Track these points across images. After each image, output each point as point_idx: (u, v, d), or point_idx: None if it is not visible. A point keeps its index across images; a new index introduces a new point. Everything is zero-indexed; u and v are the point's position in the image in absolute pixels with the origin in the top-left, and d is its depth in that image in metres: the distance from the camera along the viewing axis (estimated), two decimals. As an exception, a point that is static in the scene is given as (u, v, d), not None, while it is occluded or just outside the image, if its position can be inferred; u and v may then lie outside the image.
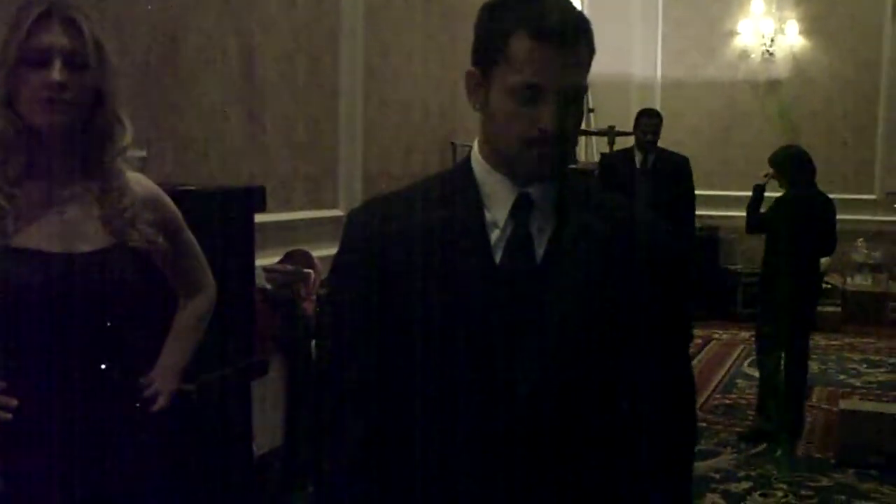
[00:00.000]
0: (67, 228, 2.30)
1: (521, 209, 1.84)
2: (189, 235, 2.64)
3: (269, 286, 5.23)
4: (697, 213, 8.16)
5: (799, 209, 6.58)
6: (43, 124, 2.23)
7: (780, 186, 6.82)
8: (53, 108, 2.20)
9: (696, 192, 8.06)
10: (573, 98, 1.78)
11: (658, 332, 1.91)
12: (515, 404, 1.79)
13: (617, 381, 1.88)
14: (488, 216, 1.84)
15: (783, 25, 11.80)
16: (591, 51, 1.82)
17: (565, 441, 1.83)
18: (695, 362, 8.85)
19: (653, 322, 1.88)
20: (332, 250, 5.69)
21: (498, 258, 1.82)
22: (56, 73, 2.19)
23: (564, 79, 1.76)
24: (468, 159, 1.92)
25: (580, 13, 1.84)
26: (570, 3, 1.85)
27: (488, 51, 1.81)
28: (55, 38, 2.21)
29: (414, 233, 1.84)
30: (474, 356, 1.80)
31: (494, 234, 1.84)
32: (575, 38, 1.78)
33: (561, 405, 1.82)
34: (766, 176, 7.03)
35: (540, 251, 1.83)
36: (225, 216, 4.21)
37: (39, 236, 2.26)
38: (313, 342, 5.36)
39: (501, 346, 1.80)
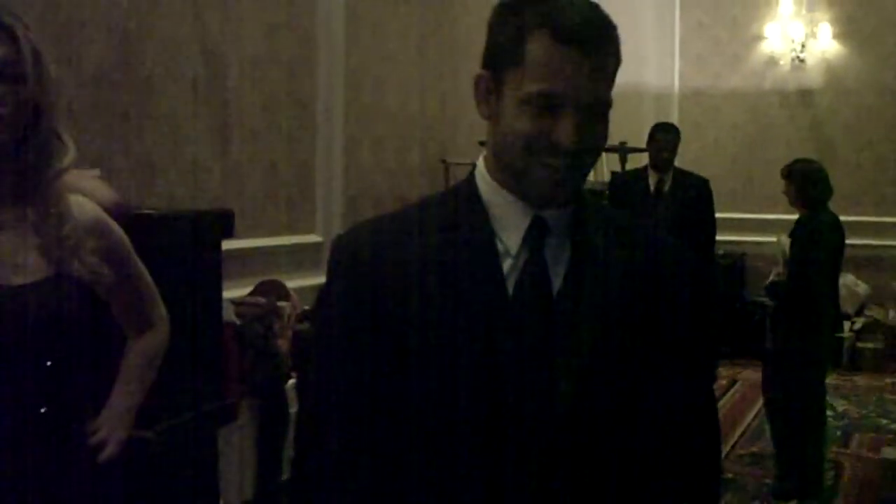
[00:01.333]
0: (2, 259, 2.30)
1: (535, 235, 1.82)
2: (138, 265, 2.64)
3: (238, 321, 5.24)
4: (720, 238, 8.12)
5: (838, 235, 6.53)
6: None
7: (793, 205, 6.69)
8: None
9: (718, 215, 8.03)
10: (596, 112, 1.76)
11: (681, 369, 1.90)
12: (529, 446, 1.78)
13: (637, 418, 1.85)
14: (498, 243, 1.82)
15: (815, 29, 11.75)
16: (617, 61, 1.80)
17: (579, 482, 1.82)
18: (719, 406, 8.84)
19: (676, 358, 1.88)
20: (309, 280, 5.77)
21: (510, 289, 1.80)
22: None
23: (587, 89, 1.72)
24: (472, 177, 1.89)
25: (607, 16, 1.80)
26: (597, 6, 1.81)
27: (502, 51, 1.78)
28: None
29: (412, 261, 1.81)
30: (483, 398, 1.77)
31: (507, 263, 1.81)
32: (602, 43, 1.75)
33: (579, 445, 1.80)
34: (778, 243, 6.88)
35: (556, 282, 1.82)
36: (189, 243, 4.23)
37: None
38: (288, 383, 5.37)
39: (513, 387, 1.77)
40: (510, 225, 1.83)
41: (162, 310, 2.73)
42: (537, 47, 1.71)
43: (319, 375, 1.92)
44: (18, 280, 2.31)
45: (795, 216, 6.66)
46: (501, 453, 1.78)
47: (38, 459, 2.32)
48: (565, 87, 1.71)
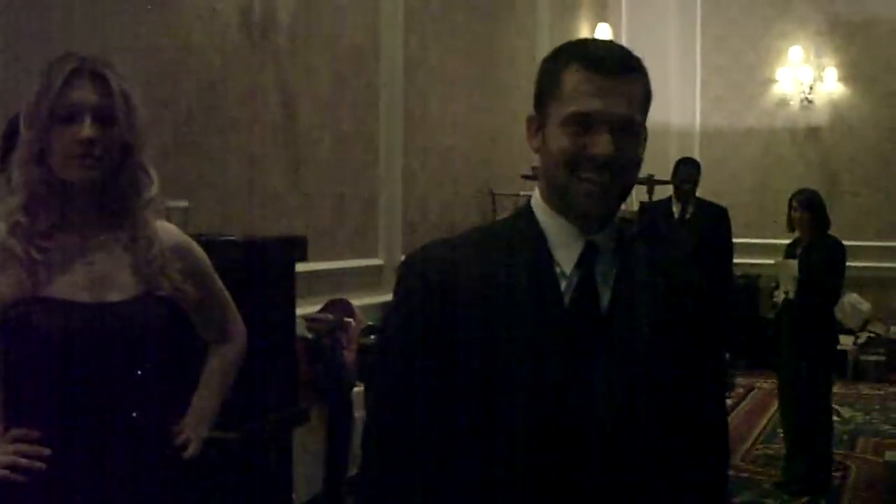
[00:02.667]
0: (97, 278, 2.30)
1: (587, 258, 1.82)
2: (218, 283, 2.64)
3: (309, 335, 5.24)
4: (737, 261, 8.09)
5: (844, 255, 6.45)
6: (74, 179, 2.25)
7: (798, 230, 6.54)
8: (84, 163, 2.22)
9: (736, 240, 7.99)
10: (625, 129, 1.77)
11: (700, 382, 1.90)
12: (583, 448, 1.77)
13: (668, 421, 1.85)
14: (554, 263, 1.82)
15: (822, 73, 11.71)
16: (645, 89, 1.83)
17: (628, 483, 1.81)
18: (737, 411, 8.76)
19: (699, 369, 1.89)
20: (373, 299, 5.78)
21: (566, 305, 1.80)
22: (86, 128, 2.21)
23: (614, 107, 1.76)
24: (528, 205, 1.90)
25: (635, 55, 1.85)
26: (625, 47, 1.87)
27: (545, 90, 1.83)
28: (85, 94, 2.23)
29: (476, 279, 1.81)
30: (540, 404, 1.77)
31: (561, 282, 1.82)
32: (626, 70, 1.79)
33: (626, 448, 1.80)
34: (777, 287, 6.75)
35: (605, 300, 1.82)
36: (267, 266, 4.23)
37: (70, 286, 2.27)
38: (353, 391, 5.37)
39: (568, 392, 1.77)
40: (564, 248, 1.83)
41: (239, 323, 2.72)
42: (571, 77, 1.77)
43: (384, 383, 1.91)
44: (113, 297, 2.31)
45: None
46: (553, 456, 1.77)
47: (130, 459, 2.31)
48: (597, 106, 1.75)
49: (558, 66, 1.81)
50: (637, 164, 1.84)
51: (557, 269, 1.82)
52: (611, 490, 1.80)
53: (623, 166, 1.79)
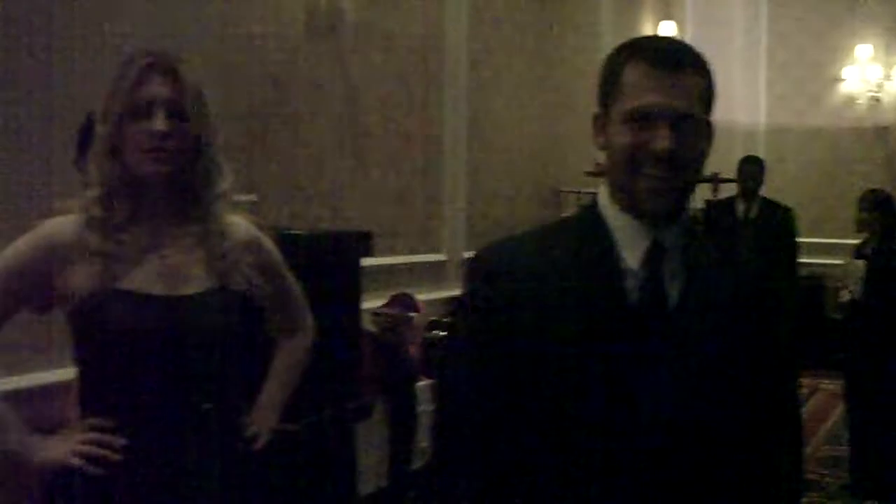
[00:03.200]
0: (171, 271, 2.32)
1: (654, 256, 1.81)
2: (289, 276, 2.66)
3: (374, 329, 5.25)
4: (802, 260, 8.00)
5: None
6: (148, 173, 2.27)
7: (867, 231, 6.44)
8: (157, 157, 2.25)
9: (801, 239, 7.91)
10: (687, 125, 1.77)
11: (774, 378, 1.90)
12: (651, 445, 1.77)
13: (736, 419, 1.84)
14: (621, 262, 1.82)
15: (890, 71, 11.55)
16: (707, 83, 1.82)
17: (694, 480, 1.81)
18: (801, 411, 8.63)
19: (769, 368, 1.88)
20: (436, 294, 5.78)
21: (632, 302, 1.80)
22: (159, 123, 2.23)
23: (676, 102, 1.75)
24: (595, 203, 1.90)
25: (696, 51, 1.85)
26: (687, 43, 1.87)
27: (607, 87, 1.83)
28: (158, 89, 2.25)
29: (544, 276, 1.81)
30: (608, 401, 1.77)
31: (629, 280, 1.81)
32: (685, 65, 1.79)
33: (691, 446, 1.80)
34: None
35: (672, 298, 1.81)
36: (332, 260, 4.24)
37: (144, 279, 2.29)
38: (417, 385, 5.36)
39: (635, 390, 1.77)
40: (631, 245, 1.82)
41: (309, 316, 2.74)
42: (631, 73, 1.78)
43: (454, 384, 1.93)
44: (187, 291, 2.32)
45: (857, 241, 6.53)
46: (622, 454, 1.77)
47: (201, 450, 2.33)
48: (657, 101, 1.75)
49: (619, 63, 1.81)
50: (700, 158, 1.83)
51: (625, 267, 1.81)
52: (680, 488, 1.79)
53: (684, 161, 1.77)
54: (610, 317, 1.79)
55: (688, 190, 1.84)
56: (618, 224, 1.84)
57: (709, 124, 1.83)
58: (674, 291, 1.81)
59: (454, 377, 1.93)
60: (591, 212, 1.89)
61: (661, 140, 1.74)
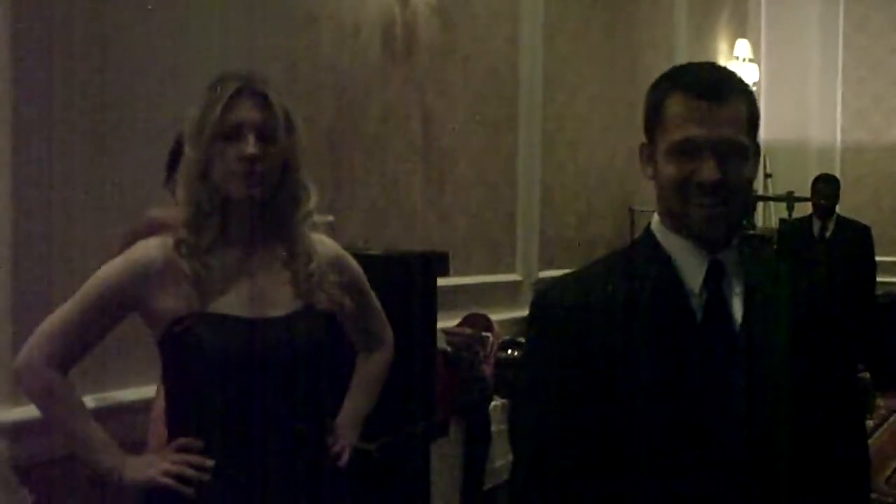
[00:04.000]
0: (259, 293, 2.35)
1: (714, 277, 1.84)
2: (371, 294, 2.68)
3: (449, 349, 5.26)
4: (880, 279, 7.90)
5: None
6: (237, 195, 2.30)
7: None
8: (247, 179, 2.27)
9: (879, 258, 7.81)
10: (733, 153, 1.79)
11: (836, 402, 1.90)
12: (723, 464, 1.78)
13: (804, 439, 1.85)
14: (683, 283, 1.84)
15: (971, 86, 11.35)
16: (750, 110, 1.84)
17: (766, 501, 1.82)
18: (879, 434, 8.49)
19: (831, 392, 1.88)
20: (510, 314, 5.78)
21: (698, 323, 1.82)
22: (250, 146, 2.26)
23: (718, 131, 1.77)
24: (650, 230, 1.92)
25: (737, 76, 1.88)
26: (727, 68, 1.90)
27: (651, 119, 1.86)
28: (248, 113, 2.28)
29: (609, 308, 1.83)
30: (684, 421, 1.79)
31: (692, 301, 1.83)
32: (727, 93, 1.81)
33: (765, 465, 1.81)
34: None
35: (737, 316, 1.83)
36: (409, 280, 4.27)
37: (233, 302, 2.32)
38: (491, 405, 5.36)
39: (707, 412, 1.79)
40: (690, 267, 1.85)
41: (389, 331, 2.76)
42: (673, 105, 1.82)
43: (529, 420, 1.92)
44: (274, 312, 2.35)
45: None
46: (695, 472, 1.79)
47: (290, 471, 2.35)
48: (700, 132, 1.77)
49: (661, 95, 1.85)
50: (749, 182, 1.86)
51: (688, 290, 1.84)
52: (755, 500, 1.80)
53: (733, 188, 1.80)
54: (678, 338, 1.81)
55: (740, 213, 1.88)
56: (674, 247, 1.87)
57: (755, 145, 1.85)
58: (738, 309, 1.84)
59: (529, 422, 1.92)
60: (647, 238, 1.92)
61: (708, 171, 1.76)
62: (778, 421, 1.81)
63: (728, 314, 1.83)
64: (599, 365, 1.80)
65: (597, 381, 1.80)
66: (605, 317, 1.82)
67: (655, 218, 1.92)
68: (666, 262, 1.86)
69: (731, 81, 1.84)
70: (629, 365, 1.79)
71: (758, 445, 1.80)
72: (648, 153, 1.88)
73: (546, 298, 1.95)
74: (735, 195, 1.81)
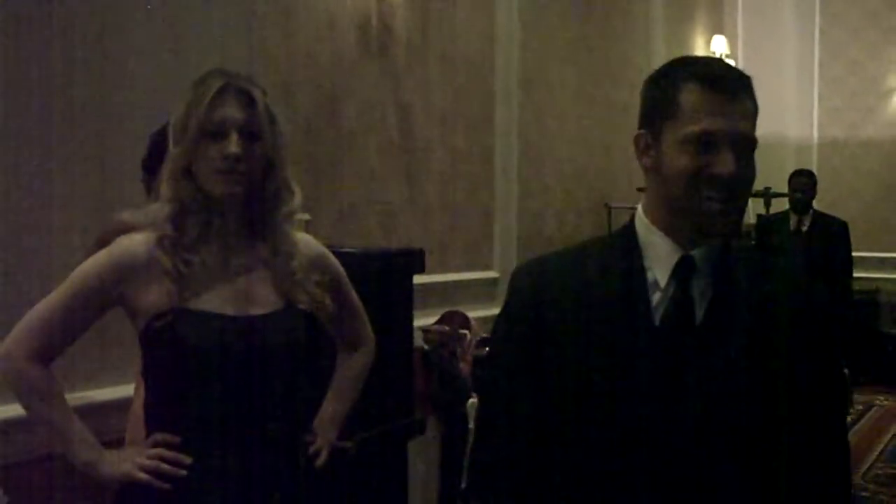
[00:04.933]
0: (240, 291, 2.37)
1: (683, 272, 1.84)
2: (352, 293, 2.69)
3: (426, 346, 5.27)
4: (857, 275, 7.96)
5: None
6: (220, 192, 2.31)
7: None
8: (230, 177, 2.29)
9: (856, 253, 7.87)
10: (745, 147, 1.80)
11: (814, 400, 1.89)
12: (673, 461, 1.79)
13: (774, 444, 1.84)
14: (650, 277, 1.86)
15: (946, 83, 11.43)
16: (755, 106, 1.86)
17: (721, 496, 1.82)
18: (856, 429, 8.56)
19: (809, 389, 1.87)
20: (488, 311, 5.79)
21: (658, 319, 1.84)
22: (233, 145, 2.27)
23: (736, 126, 1.79)
24: (632, 221, 1.93)
25: (743, 71, 1.89)
26: (731, 64, 1.93)
27: (659, 109, 1.85)
28: (232, 111, 2.29)
29: (576, 292, 1.87)
30: (632, 415, 1.80)
31: (656, 296, 1.85)
32: (743, 89, 1.83)
33: (720, 461, 1.81)
34: None
35: (700, 314, 1.84)
36: (384, 277, 4.27)
37: (215, 299, 2.33)
38: (468, 402, 5.37)
39: (658, 407, 1.80)
40: (660, 261, 1.86)
41: (369, 331, 2.78)
42: (689, 96, 1.80)
43: (490, 389, 2.03)
44: (256, 311, 2.36)
45: None
46: (646, 464, 1.80)
47: (266, 469, 2.36)
48: (719, 125, 1.77)
49: (672, 85, 1.83)
50: (754, 179, 1.87)
51: (651, 282, 1.86)
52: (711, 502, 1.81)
53: (745, 184, 1.82)
54: (634, 331, 1.83)
55: (744, 209, 1.88)
56: (649, 240, 1.88)
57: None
58: (702, 308, 1.84)
59: (489, 389, 2.05)
60: (625, 229, 1.94)
61: (726, 164, 1.77)
62: (730, 420, 1.81)
63: (690, 311, 1.83)
64: (559, 345, 1.85)
65: (550, 362, 1.86)
66: (566, 301, 1.87)
67: (639, 210, 1.93)
68: (637, 254, 1.88)
69: (743, 77, 1.86)
70: (584, 351, 1.83)
71: (710, 443, 1.80)
72: (648, 143, 1.86)
73: (520, 274, 1.99)
74: (745, 191, 1.83)
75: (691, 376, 1.80)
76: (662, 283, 1.84)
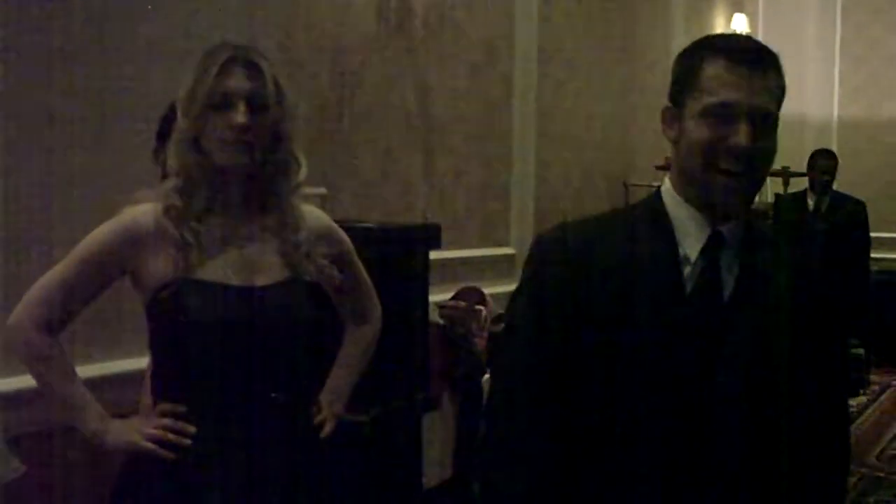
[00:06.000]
0: (247, 262, 2.37)
1: (713, 247, 1.85)
2: (360, 267, 2.70)
3: (442, 322, 5.28)
4: (876, 255, 7.93)
5: None
6: (227, 163, 2.32)
7: None
8: (237, 148, 2.30)
9: (875, 234, 7.85)
10: (763, 121, 1.80)
11: (817, 376, 1.92)
12: (702, 431, 1.81)
13: (785, 408, 1.88)
14: (680, 251, 1.86)
15: (968, 63, 11.33)
16: (780, 83, 1.86)
17: (749, 473, 1.84)
18: (872, 409, 8.53)
19: (818, 364, 1.91)
20: (503, 288, 5.79)
21: (687, 291, 1.84)
22: (240, 115, 2.28)
23: (756, 99, 1.79)
24: (658, 194, 1.94)
25: (773, 51, 1.89)
26: (760, 42, 1.92)
27: (683, 82, 1.86)
28: (239, 82, 2.30)
29: (605, 261, 1.86)
30: (660, 386, 1.81)
31: (686, 270, 1.85)
32: (765, 64, 1.83)
33: (746, 437, 1.83)
34: None
35: (727, 289, 1.85)
36: (402, 253, 4.28)
37: (221, 269, 2.34)
38: (483, 378, 5.38)
39: (687, 377, 1.81)
40: (690, 236, 1.87)
41: (377, 306, 2.78)
42: (712, 68, 1.81)
43: (510, 353, 1.98)
44: (261, 281, 2.37)
45: None
46: (675, 436, 1.82)
47: (271, 438, 2.37)
48: (738, 97, 1.78)
49: (698, 58, 1.84)
50: (772, 156, 1.87)
51: (683, 257, 1.86)
52: (732, 474, 1.83)
53: (760, 158, 1.82)
54: (664, 304, 1.83)
55: (759, 186, 1.89)
56: (680, 214, 1.88)
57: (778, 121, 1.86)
58: (730, 282, 1.85)
59: (509, 356, 1.98)
60: (653, 201, 1.94)
61: (741, 136, 1.77)
62: (758, 396, 1.83)
63: (719, 287, 1.85)
64: (584, 315, 1.84)
65: (576, 331, 1.84)
66: (595, 270, 1.85)
67: (666, 182, 1.94)
68: (667, 227, 1.88)
69: (768, 53, 1.86)
70: (613, 323, 1.82)
71: (734, 418, 1.82)
72: (673, 116, 1.88)
73: (546, 242, 1.97)
74: (760, 165, 1.83)
75: (720, 348, 1.82)
76: (693, 257, 1.85)
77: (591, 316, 1.83)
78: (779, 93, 1.84)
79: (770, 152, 1.84)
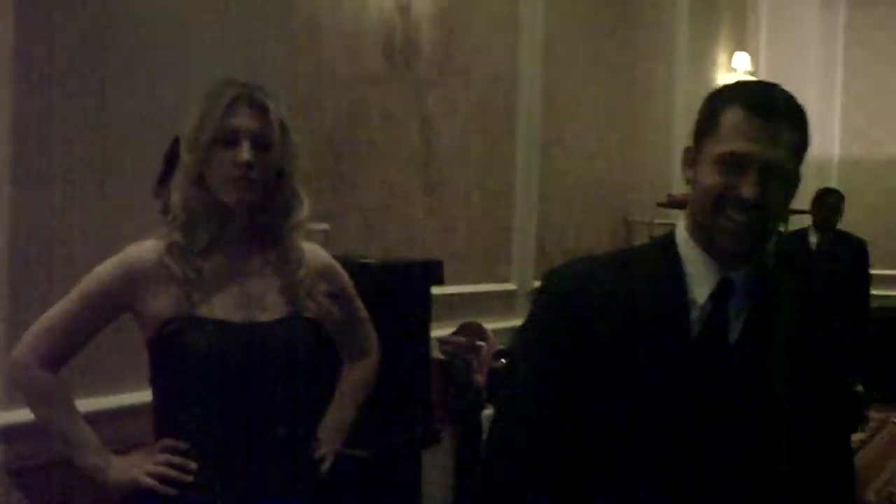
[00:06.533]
0: (249, 298, 2.40)
1: (721, 293, 1.86)
2: (359, 302, 2.72)
3: (442, 357, 5.28)
4: (878, 293, 7.93)
5: None
6: (231, 200, 2.35)
7: None
8: (242, 185, 2.33)
9: (878, 271, 7.85)
10: (775, 174, 1.80)
11: (823, 418, 1.92)
12: (705, 474, 1.81)
13: (791, 453, 1.87)
14: (688, 294, 1.87)
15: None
16: (802, 139, 1.85)
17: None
18: (871, 445, 8.51)
19: (821, 405, 1.91)
20: (505, 323, 5.79)
21: (693, 336, 1.85)
22: (245, 152, 2.31)
23: (769, 152, 1.78)
24: (672, 234, 1.95)
25: (795, 99, 1.88)
26: (791, 95, 1.89)
27: (704, 125, 1.87)
28: (244, 120, 2.34)
29: (614, 299, 1.87)
30: (662, 427, 1.81)
31: (693, 313, 1.86)
32: (784, 116, 1.82)
33: (750, 476, 1.83)
34: None
35: (734, 333, 1.86)
36: (403, 288, 4.29)
37: (223, 306, 2.36)
38: (484, 413, 5.39)
39: (690, 420, 1.82)
40: (701, 280, 1.87)
41: (376, 342, 2.80)
42: (730, 116, 1.81)
43: (514, 388, 1.97)
44: (263, 317, 2.39)
45: None
46: (676, 480, 1.81)
47: (272, 475, 2.39)
48: (750, 148, 1.78)
49: (720, 104, 1.85)
50: (783, 207, 1.87)
51: (691, 300, 1.86)
52: None
53: (768, 209, 1.82)
54: (670, 346, 1.83)
55: (767, 235, 1.88)
56: (690, 257, 1.89)
57: (797, 174, 1.86)
58: (737, 327, 1.86)
59: (513, 389, 1.97)
60: (665, 242, 1.95)
61: (749, 187, 1.77)
62: (761, 439, 1.84)
63: (725, 332, 1.85)
64: (590, 354, 1.84)
65: (580, 371, 1.84)
66: (602, 310, 1.86)
67: (681, 222, 1.95)
68: (677, 269, 1.89)
69: (791, 106, 1.85)
70: (617, 363, 1.83)
71: (736, 461, 1.82)
72: (692, 158, 1.89)
73: (558, 278, 1.98)
74: (768, 216, 1.83)
75: (723, 392, 1.82)
76: (700, 301, 1.86)
77: (597, 354, 1.84)
78: (797, 145, 1.83)
79: (780, 203, 1.84)
